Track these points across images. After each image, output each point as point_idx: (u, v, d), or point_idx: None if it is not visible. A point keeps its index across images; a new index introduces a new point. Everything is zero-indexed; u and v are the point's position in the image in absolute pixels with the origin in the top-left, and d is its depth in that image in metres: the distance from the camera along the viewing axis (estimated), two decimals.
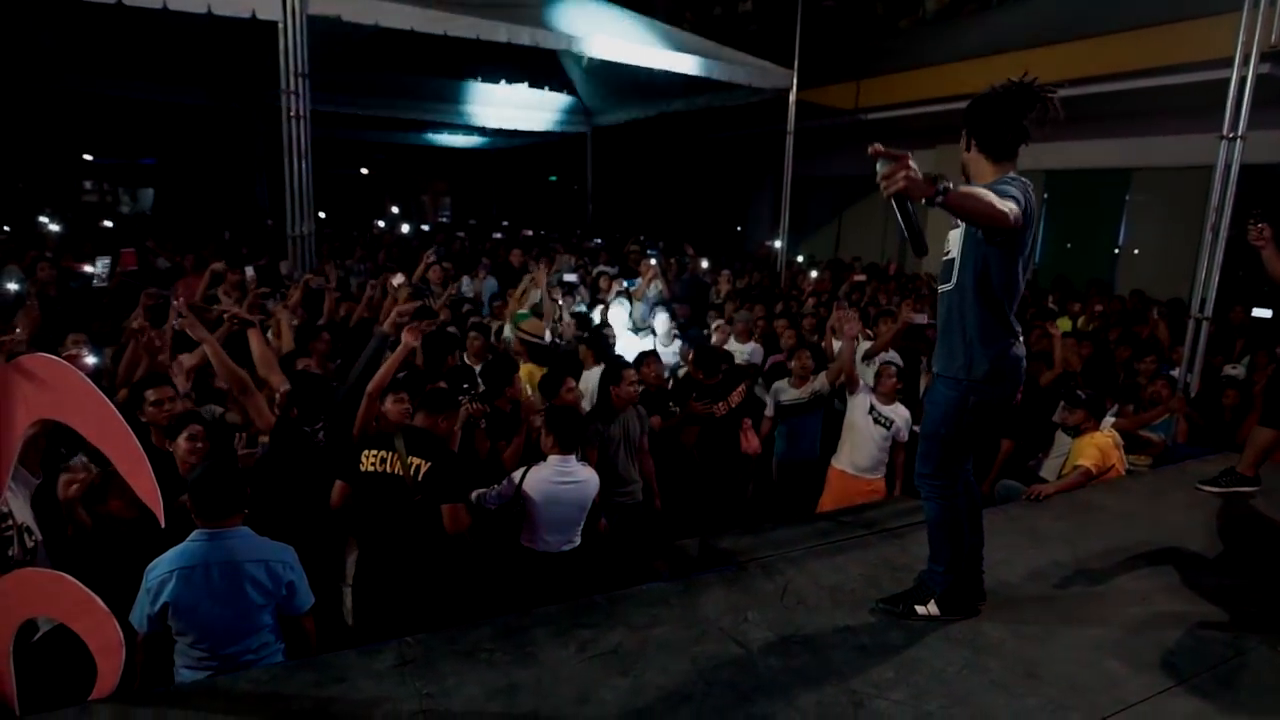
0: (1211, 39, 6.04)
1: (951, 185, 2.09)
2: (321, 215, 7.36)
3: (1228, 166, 5.23)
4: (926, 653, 2.52)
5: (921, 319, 6.41)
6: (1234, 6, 5.19)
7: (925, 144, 13.97)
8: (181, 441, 3.21)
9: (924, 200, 2.03)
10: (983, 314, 2.44)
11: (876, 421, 4.73)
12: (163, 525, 2.20)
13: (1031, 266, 2.60)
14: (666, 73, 9.38)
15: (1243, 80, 5.05)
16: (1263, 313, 6.08)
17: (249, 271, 6.27)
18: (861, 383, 4.91)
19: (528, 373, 4.89)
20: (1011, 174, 2.40)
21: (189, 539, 2.60)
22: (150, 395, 3.38)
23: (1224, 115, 5.22)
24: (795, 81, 10.43)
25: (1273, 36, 5.06)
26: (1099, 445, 4.25)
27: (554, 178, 23.44)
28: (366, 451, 3.29)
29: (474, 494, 3.57)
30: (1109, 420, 4.64)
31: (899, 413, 4.79)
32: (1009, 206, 2.20)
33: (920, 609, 2.71)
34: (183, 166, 19.98)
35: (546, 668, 2.38)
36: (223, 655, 2.56)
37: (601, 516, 4.02)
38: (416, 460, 3.23)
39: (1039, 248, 12.77)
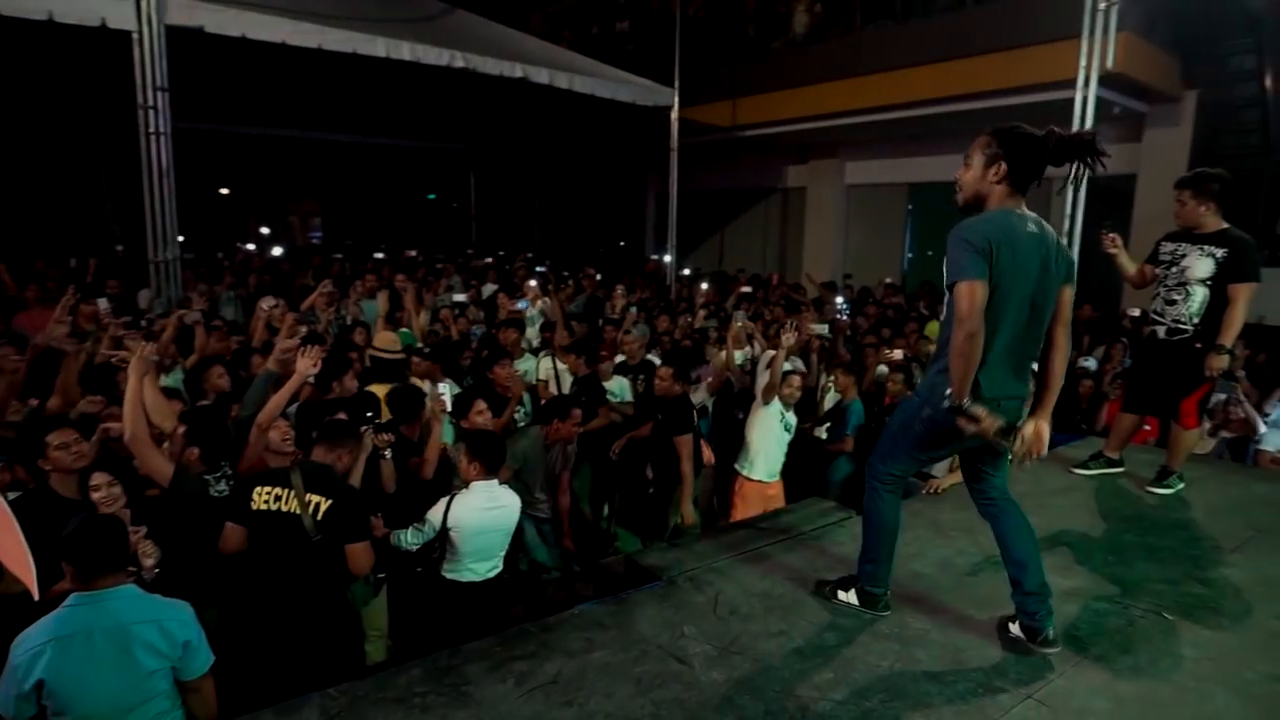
0: (1056, 63, 6.64)
1: (963, 404, 2.32)
2: (180, 238, 6.80)
3: (1076, 179, 5.76)
4: (860, 650, 2.59)
5: (822, 329, 6.69)
6: (1075, 33, 5.75)
7: (798, 159, 14.69)
8: (93, 493, 2.89)
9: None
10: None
11: (786, 429, 4.89)
12: (36, 598, 1.94)
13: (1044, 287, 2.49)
14: (547, 89, 9.35)
15: (1084, 100, 5.58)
16: (1134, 311, 6.72)
17: (103, 304, 5.72)
18: (774, 393, 5.06)
19: (380, 390, 4.60)
20: (1016, 208, 2.42)
21: (64, 604, 2.31)
22: (53, 440, 3.03)
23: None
24: (677, 99, 10.66)
25: (1108, 62, 5.62)
26: None
27: (432, 195, 22.87)
28: (259, 489, 3.03)
29: (392, 534, 3.39)
30: None
31: (792, 418, 5.02)
32: (960, 337, 2.29)
33: (843, 595, 2.85)
34: (20, 189, 18.06)
35: (485, 706, 2.27)
36: None
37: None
38: (315, 498, 3.00)
39: (905, 258, 13.64)
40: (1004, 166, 2.38)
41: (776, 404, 4.92)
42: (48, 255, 10.25)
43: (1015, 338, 2.42)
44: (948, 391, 2.34)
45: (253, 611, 3.04)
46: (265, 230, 21.41)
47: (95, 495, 2.91)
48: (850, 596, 2.83)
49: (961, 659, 2.53)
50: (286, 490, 2.98)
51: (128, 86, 6.32)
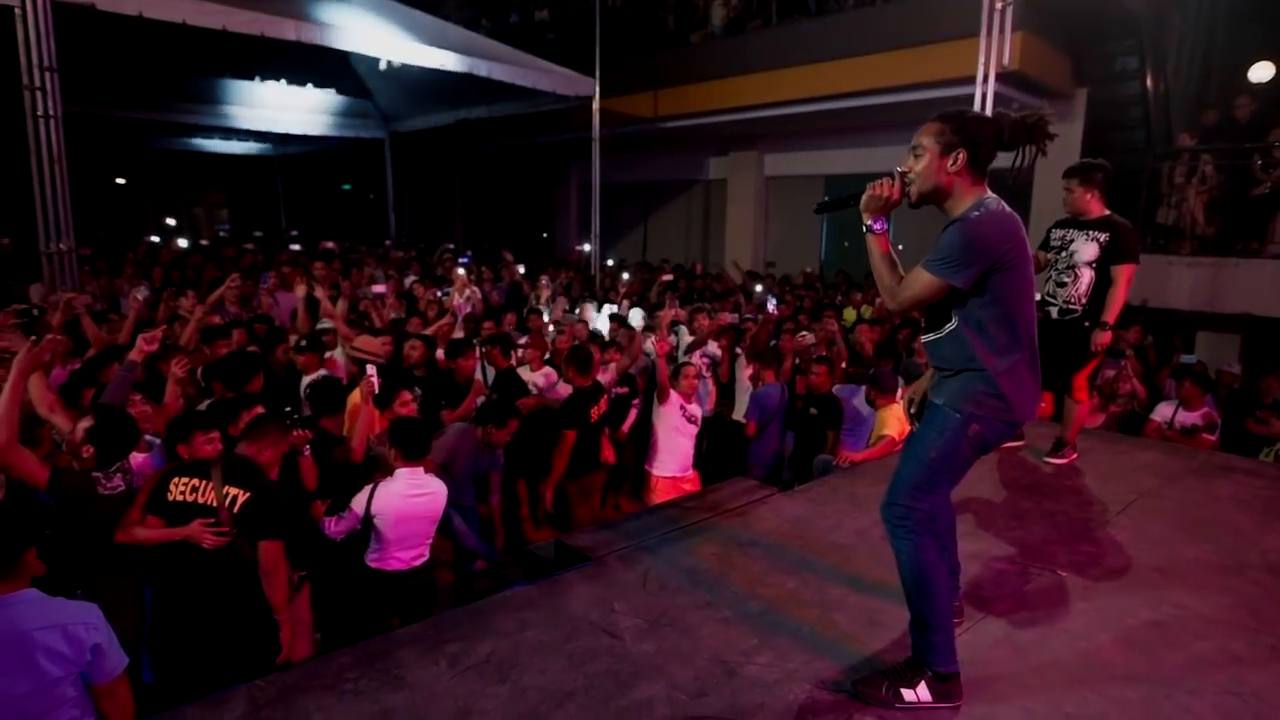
0: (960, 60, 6.97)
1: (885, 229, 2.26)
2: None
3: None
4: (783, 617, 2.71)
5: (733, 319, 6.86)
6: (973, 33, 6.05)
7: (718, 151, 14.91)
8: None
9: (867, 225, 2.26)
10: None
11: (689, 421, 5.02)
12: None
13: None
14: (468, 78, 9.23)
15: (984, 96, 5.88)
16: (1036, 295, 7.13)
17: None
18: (673, 393, 5.14)
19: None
20: (988, 194, 2.19)
21: None
22: None
23: None
24: (598, 90, 10.67)
25: (1004, 59, 5.95)
26: (898, 415, 4.77)
27: (348, 186, 22.20)
28: (176, 479, 2.95)
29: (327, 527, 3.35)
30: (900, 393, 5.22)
31: (698, 410, 5.18)
32: (904, 296, 2.20)
33: (908, 694, 2.20)
34: None
35: (419, 688, 2.28)
36: None
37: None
38: (233, 490, 2.94)
39: (823, 248, 14.05)
40: (963, 154, 2.15)
41: (676, 399, 5.04)
42: None
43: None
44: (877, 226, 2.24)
45: (173, 604, 2.95)
46: (171, 221, 20.34)
47: None
48: (922, 692, 2.19)
49: (878, 620, 2.68)
50: (204, 482, 2.91)
51: (12, 66, 5.93)
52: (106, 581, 2.99)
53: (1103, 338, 4.01)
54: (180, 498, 2.89)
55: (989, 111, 5.86)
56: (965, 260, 2.09)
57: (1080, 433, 4.50)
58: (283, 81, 13.57)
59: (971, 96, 5.99)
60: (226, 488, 2.94)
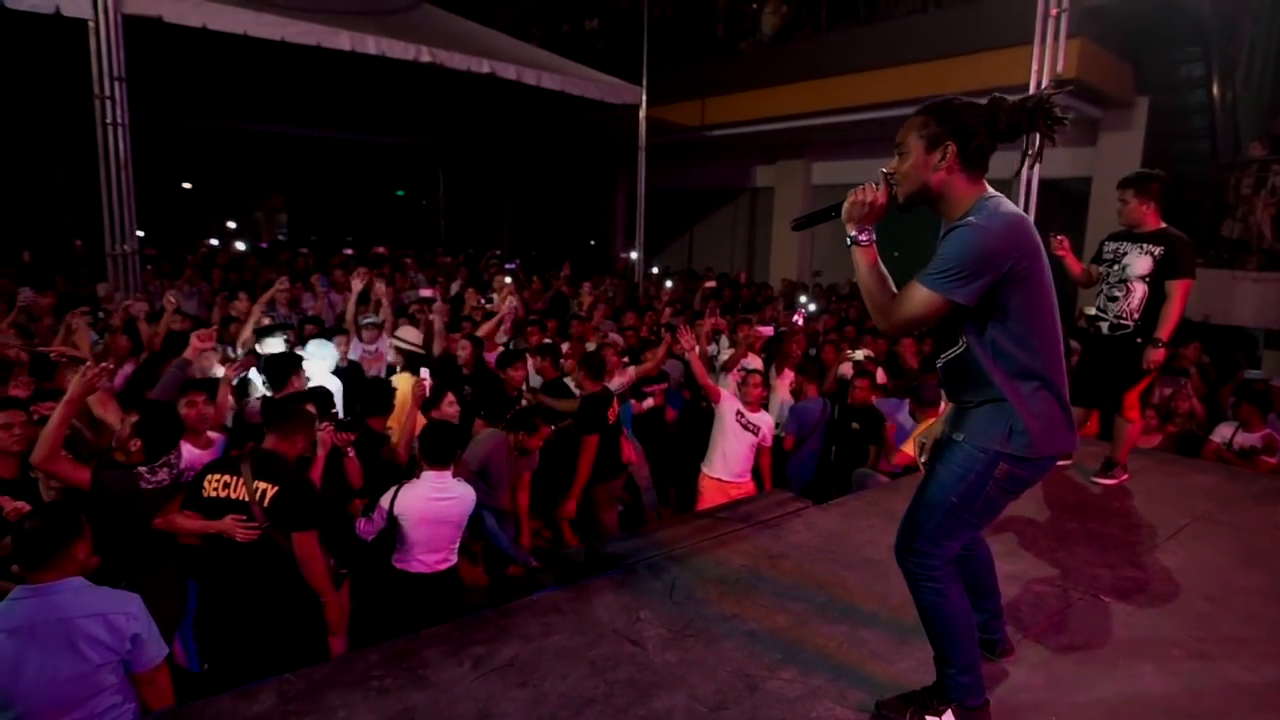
0: (1013, 68, 6.80)
1: (870, 240, 2.02)
2: (140, 234, 6.71)
3: (1028, 180, 5.93)
4: (810, 632, 2.67)
5: (768, 331, 6.81)
6: (1026, 40, 5.91)
7: (765, 160, 14.84)
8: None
9: (851, 236, 2.02)
10: None
11: (745, 428, 4.98)
12: None
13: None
14: (518, 86, 9.36)
15: None
16: (1091, 310, 6.94)
17: (25, 293, 5.64)
18: (724, 392, 5.12)
19: (407, 382, 4.66)
20: (990, 192, 1.98)
21: (10, 596, 2.31)
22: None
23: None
24: (645, 98, 10.72)
25: (1059, 67, 5.79)
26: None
27: (401, 192, 22.67)
28: (209, 476, 3.06)
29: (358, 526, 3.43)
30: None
31: (764, 419, 5.07)
32: (898, 316, 1.96)
33: None
34: None
35: (442, 689, 2.31)
36: None
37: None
38: (262, 485, 3.03)
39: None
40: (952, 147, 1.92)
41: (731, 403, 4.99)
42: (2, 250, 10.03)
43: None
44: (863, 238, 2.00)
45: (216, 595, 3.05)
46: (231, 225, 21.03)
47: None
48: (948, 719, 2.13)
49: (907, 639, 2.62)
50: (235, 478, 3.01)
51: (86, 76, 6.22)
52: (148, 573, 3.10)
53: (1155, 354, 3.87)
54: (214, 494, 3.00)
55: None
56: (969, 272, 1.84)
57: (1132, 453, 4.35)
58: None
59: None
60: (256, 483, 3.03)
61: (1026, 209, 5.84)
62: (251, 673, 2.47)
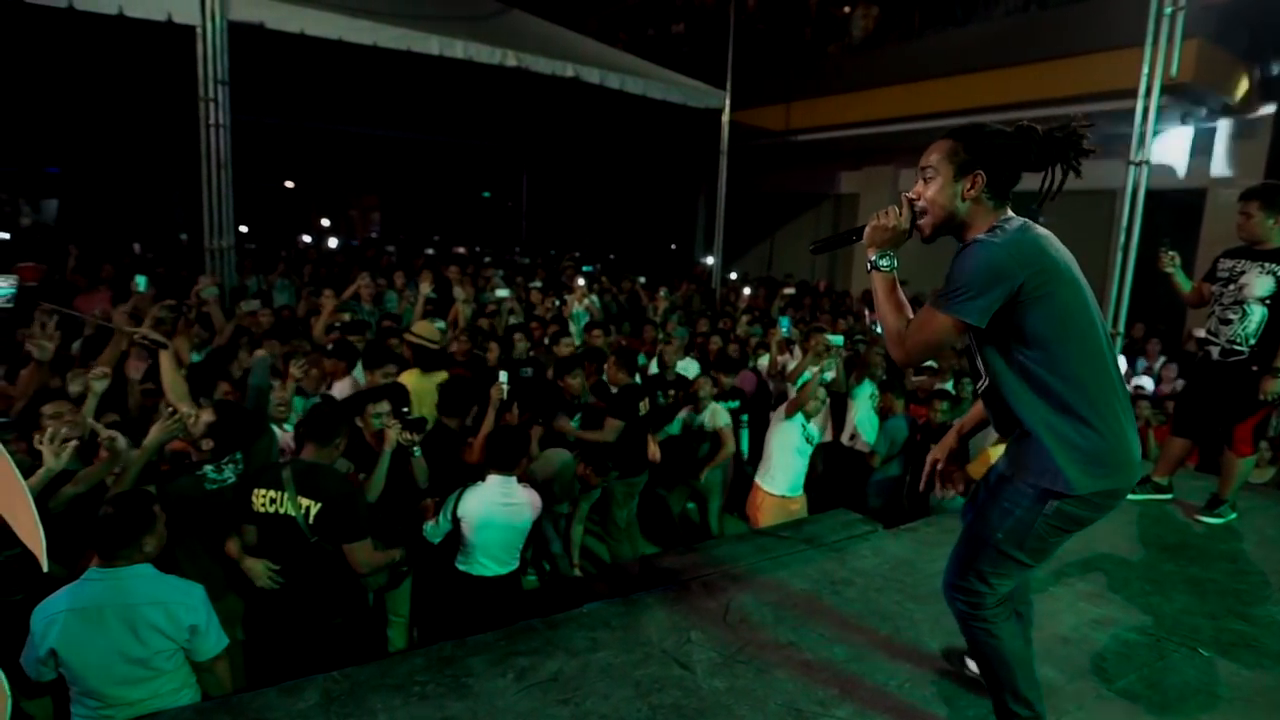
0: (1122, 71, 6.39)
1: (890, 267, 1.97)
2: (243, 229, 7.05)
3: (1135, 190, 5.52)
4: (870, 668, 2.52)
5: (836, 340, 6.57)
6: (1136, 42, 5.52)
7: (851, 165, 14.47)
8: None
9: (871, 261, 1.98)
10: None
11: (808, 441, 4.82)
12: (44, 569, 2.00)
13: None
14: (602, 90, 9.40)
15: (1148, 110, 5.35)
16: (1200, 332, 6.48)
17: (138, 282, 5.91)
18: (796, 409, 4.94)
19: (414, 376, 4.62)
20: (1009, 215, 1.92)
21: (83, 577, 2.40)
22: (48, 410, 3.11)
23: (1129, 143, 5.53)
24: (728, 103, 10.60)
25: (1173, 70, 5.38)
26: None
27: (487, 194, 23.22)
28: (257, 491, 3.04)
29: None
30: None
31: (818, 429, 4.93)
32: (913, 342, 1.89)
33: None
34: (90, 176, 18.93)
35: (482, 699, 2.28)
36: (121, 704, 2.36)
37: None
38: (306, 501, 2.99)
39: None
40: (982, 177, 1.86)
41: (799, 417, 4.82)
42: (115, 241, 10.71)
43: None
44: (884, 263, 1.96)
45: (268, 605, 3.10)
46: (326, 222, 21.96)
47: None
48: None
49: (976, 684, 2.43)
50: (281, 493, 2.99)
51: (193, 80, 6.56)
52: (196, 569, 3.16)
53: (1273, 385, 3.52)
54: (264, 509, 3.01)
55: (1150, 128, 5.33)
56: (976, 290, 1.76)
57: (1242, 491, 3.97)
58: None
59: (1130, 111, 5.46)
60: (300, 499, 3.00)
61: (1131, 221, 5.45)
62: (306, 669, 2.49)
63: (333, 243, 15.77)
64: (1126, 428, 1.85)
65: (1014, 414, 1.87)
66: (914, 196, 1.96)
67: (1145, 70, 5.29)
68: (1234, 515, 3.91)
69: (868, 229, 1.99)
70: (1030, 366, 1.82)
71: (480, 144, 16.45)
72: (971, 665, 2.38)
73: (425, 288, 6.39)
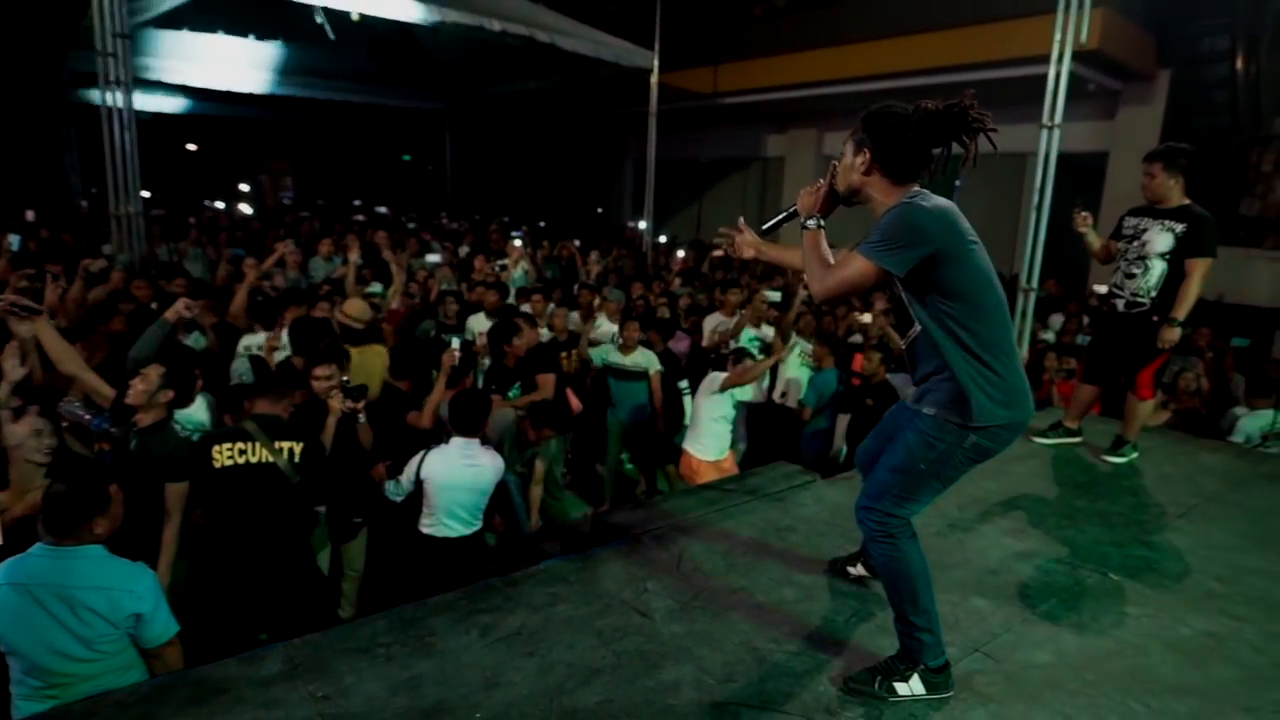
0: (1035, 37, 6.66)
1: (818, 225, 2.22)
2: (146, 194, 6.65)
3: (1047, 153, 5.81)
4: (818, 606, 2.67)
5: (776, 296, 6.75)
6: (1048, 9, 5.76)
7: (777, 129, 14.64)
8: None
9: (804, 225, 2.25)
10: None
11: (735, 408, 4.98)
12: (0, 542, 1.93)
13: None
14: (527, 49, 9.21)
15: (1059, 75, 5.61)
16: (1101, 288, 6.85)
17: (13, 240, 5.55)
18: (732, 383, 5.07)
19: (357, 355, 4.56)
20: (916, 190, 2.10)
21: (29, 551, 2.31)
22: None
23: (1041, 107, 5.79)
24: (656, 63, 10.54)
25: (1082, 37, 5.64)
26: None
27: (408, 156, 22.49)
28: (217, 447, 3.03)
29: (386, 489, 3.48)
30: None
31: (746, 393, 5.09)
32: (832, 280, 2.09)
33: (901, 688, 2.17)
34: None
35: (449, 656, 2.31)
36: (60, 684, 2.29)
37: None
38: (285, 444, 3.06)
39: None
40: (868, 153, 2.08)
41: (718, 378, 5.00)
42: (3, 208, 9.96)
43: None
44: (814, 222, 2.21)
45: (226, 565, 3.06)
46: (244, 188, 20.89)
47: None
48: (915, 685, 2.16)
49: None
50: (250, 443, 3.00)
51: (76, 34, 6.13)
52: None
53: (1171, 333, 3.81)
54: (230, 462, 2.98)
55: (1062, 93, 5.59)
56: (901, 243, 1.98)
57: (1142, 431, 4.31)
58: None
59: (1042, 76, 5.71)
60: (278, 443, 3.06)
61: (1044, 184, 5.74)
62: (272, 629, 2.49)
63: (246, 209, 15.03)
64: (1020, 370, 2.13)
65: (937, 358, 2.09)
66: (837, 162, 2.23)
67: (1057, 37, 5.54)
68: (1136, 454, 4.24)
69: (798, 198, 2.28)
70: (949, 317, 2.05)
71: (400, 105, 15.88)
72: (853, 570, 2.78)
73: (354, 255, 6.23)
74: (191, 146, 21.08)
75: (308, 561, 3.26)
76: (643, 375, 5.65)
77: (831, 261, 2.14)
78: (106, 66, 6.14)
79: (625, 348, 5.65)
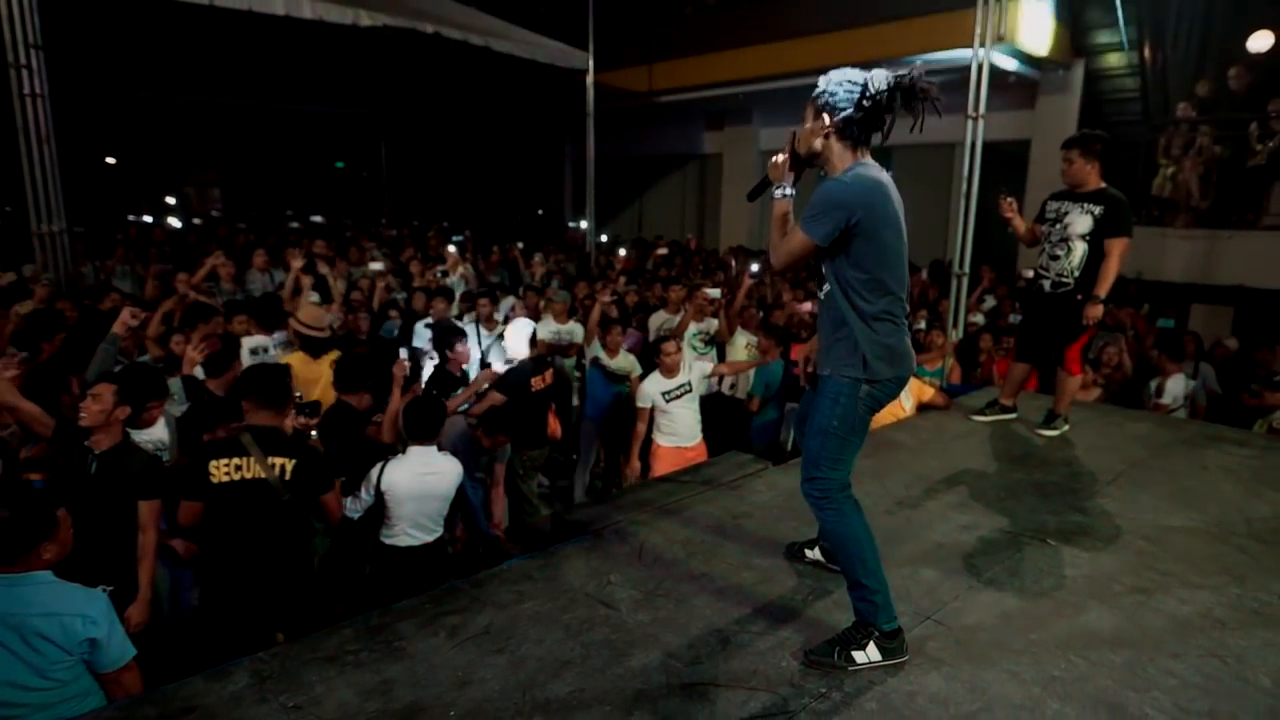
0: (957, 30, 6.91)
1: (785, 194, 2.37)
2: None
3: (973, 143, 6.04)
4: (776, 587, 2.76)
5: (715, 293, 6.87)
6: (971, 4, 5.99)
7: (714, 126, 14.81)
8: None
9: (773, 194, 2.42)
10: None
11: (681, 392, 5.08)
12: None
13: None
14: (461, 52, 9.13)
15: (980, 65, 5.84)
16: (1029, 272, 7.11)
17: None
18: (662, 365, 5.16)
19: (300, 360, 4.58)
20: (864, 160, 2.28)
21: None
22: None
23: (965, 98, 6.02)
24: (591, 64, 10.57)
25: (1001, 29, 5.88)
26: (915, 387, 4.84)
27: (340, 164, 22.01)
28: (215, 462, 3.00)
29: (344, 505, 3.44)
30: None
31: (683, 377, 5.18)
32: (782, 252, 2.31)
33: (859, 655, 2.26)
34: None
35: (419, 659, 2.32)
36: (15, 715, 2.21)
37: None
38: (279, 460, 3.04)
39: None
40: (825, 118, 2.25)
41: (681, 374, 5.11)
42: None
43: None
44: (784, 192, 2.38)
45: (222, 579, 3.05)
46: (171, 200, 20.11)
47: None
48: (872, 653, 2.26)
49: None
50: (246, 459, 2.99)
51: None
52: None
53: (1094, 310, 4.03)
54: (227, 478, 2.96)
55: (984, 84, 5.82)
56: (821, 216, 2.19)
57: (1072, 405, 4.54)
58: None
59: (966, 67, 5.95)
60: (270, 459, 3.03)
61: (970, 172, 5.96)
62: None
63: (174, 222, 14.53)
64: (905, 337, 2.35)
65: (839, 320, 2.29)
66: (794, 132, 2.37)
67: (978, 30, 5.77)
68: (1067, 427, 4.47)
69: (768, 167, 2.43)
70: (856, 283, 2.26)
71: (333, 111, 15.57)
72: (810, 554, 2.90)
73: (297, 264, 6.10)
74: (110, 160, 20.23)
75: (305, 573, 3.23)
76: (625, 378, 5.86)
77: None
78: (21, 79, 5.89)
79: (610, 351, 5.86)
